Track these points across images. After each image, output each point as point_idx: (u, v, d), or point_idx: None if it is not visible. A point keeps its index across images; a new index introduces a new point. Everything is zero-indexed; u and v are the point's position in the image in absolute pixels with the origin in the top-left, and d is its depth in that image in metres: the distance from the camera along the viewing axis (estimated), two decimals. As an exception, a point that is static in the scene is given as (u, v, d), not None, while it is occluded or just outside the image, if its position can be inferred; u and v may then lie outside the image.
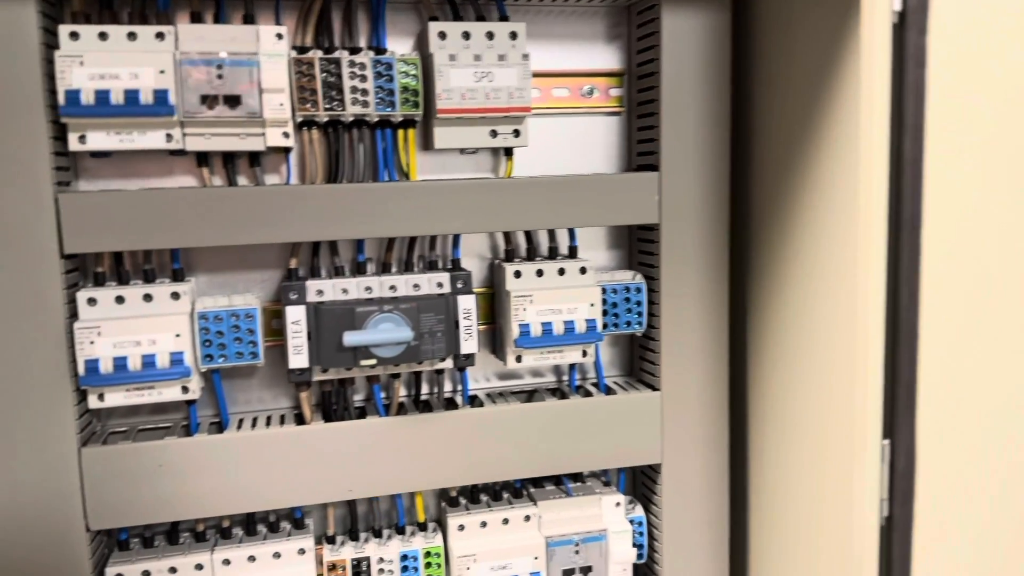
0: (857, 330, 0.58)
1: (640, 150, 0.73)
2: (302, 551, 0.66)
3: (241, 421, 0.67)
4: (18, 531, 0.59)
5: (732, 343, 0.74)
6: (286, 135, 0.61)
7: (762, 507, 0.74)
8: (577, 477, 0.77)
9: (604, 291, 0.70)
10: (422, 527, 0.71)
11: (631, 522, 0.73)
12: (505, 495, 0.74)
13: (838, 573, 0.62)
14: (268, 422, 0.66)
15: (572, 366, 0.74)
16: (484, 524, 0.70)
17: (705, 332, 0.72)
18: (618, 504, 0.73)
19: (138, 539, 0.66)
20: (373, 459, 0.66)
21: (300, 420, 0.67)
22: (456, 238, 0.69)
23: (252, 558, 0.65)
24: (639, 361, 0.77)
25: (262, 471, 0.63)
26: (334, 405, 0.68)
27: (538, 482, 0.76)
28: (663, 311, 0.71)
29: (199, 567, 0.64)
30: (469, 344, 0.66)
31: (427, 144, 0.67)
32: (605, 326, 0.70)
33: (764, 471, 0.73)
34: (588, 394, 0.73)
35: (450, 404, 0.70)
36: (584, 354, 0.70)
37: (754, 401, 0.74)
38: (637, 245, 0.75)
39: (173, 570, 0.63)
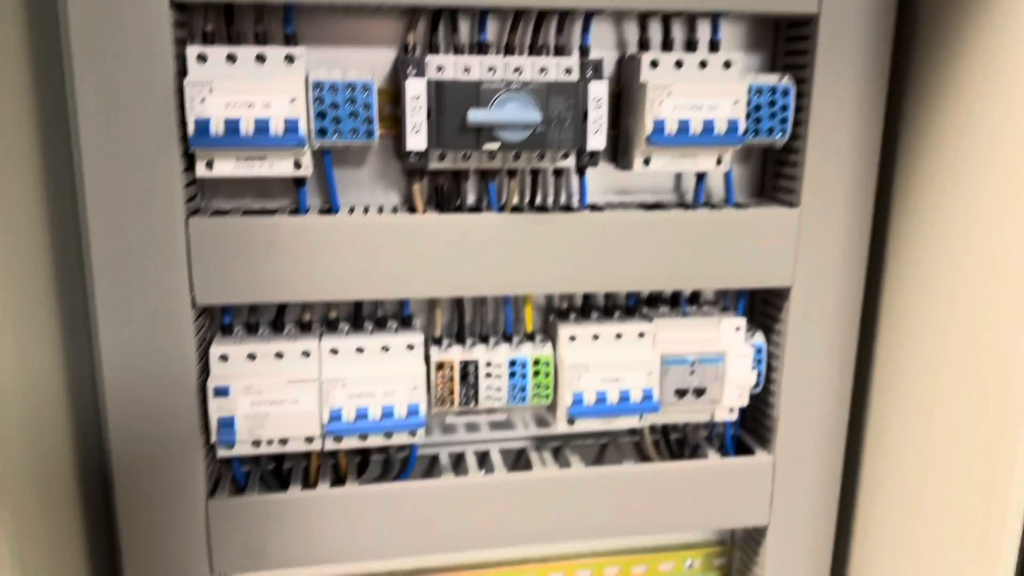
0: None
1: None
2: (411, 347, 0.63)
3: (352, 209, 0.63)
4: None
5: (881, 171, 0.66)
6: None
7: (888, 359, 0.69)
8: (693, 301, 0.72)
9: (749, 91, 0.63)
10: (530, 338, 0.68)
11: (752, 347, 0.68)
12: (616, 314, 0.70)
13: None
14: (380, 212, 0.62)
15: (700, 178, 0.67)
16: (596, 337, 0.66)
17: (855, 151, 0.65)
18: (738, 328, 0.68)
19: (241, 327, 0.65)
20: (487, 256, 0.61)
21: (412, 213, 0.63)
22: (587, 21, 0.62)
23: (360, 349, 0.62)
24: (772, 179, 0.70)
25: (373, 259, 0.60)
26: (447, 200, 0.64)
27: (652, 304, 0.71)
28: (811, 119, 0.63)
29: (306, 354, 0.61)
30: (596, 139, 0.60)
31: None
32: (746, 131, 0.63)
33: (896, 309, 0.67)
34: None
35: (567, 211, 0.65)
36: (719, 161, 0.64)
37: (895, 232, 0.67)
38: (785, 46, 0.67)
39: (279, 355, 0.61)
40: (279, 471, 0.68)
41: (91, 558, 0.64)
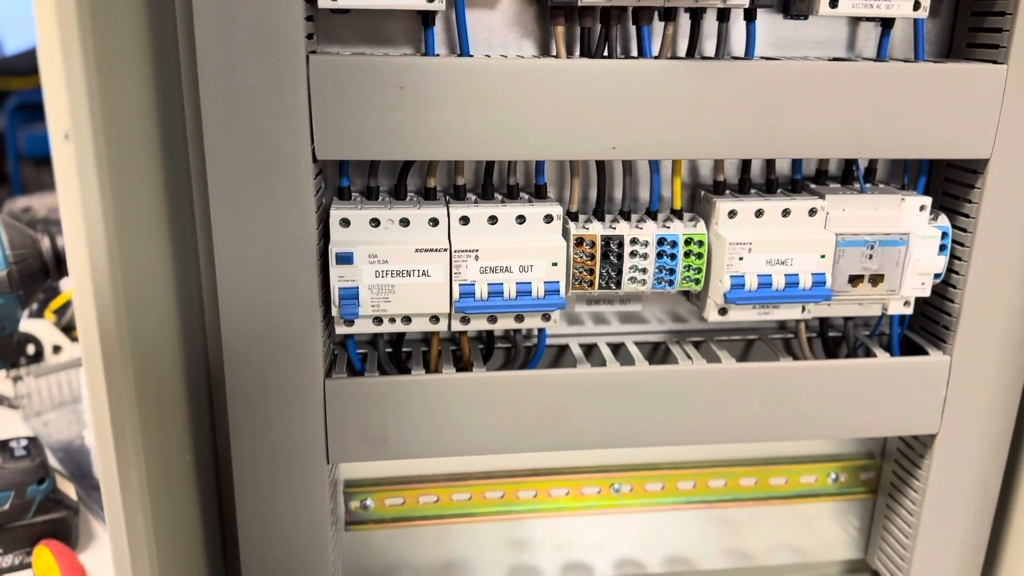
0: None
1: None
2: (549, 218, 0.56)
3: (488, 56, 0.55)
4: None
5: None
6: None
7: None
8: (867, 178, 0.63)
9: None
10: (677, 215, 0.60)
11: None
12: (780, 191, 0.61)
13: None
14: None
15: (885, 29, 0.57)
16: (760, 213, 0.58)
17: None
18: (923, 207, 0.59)
19: (359, 193, 0.58)
20: (640, 111, 0.53)
21: (554, 61, 0.54)
22: None
23: (493, 219, 0.55)
24: (968, 36, 0.59)
25: (512, 111, 0.52)
26: (594, 47, 0.55)
27: (819, 182, 0.62)
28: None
29: (434, 222, 0.54)
30: (778, -29, 0.51)
31: None
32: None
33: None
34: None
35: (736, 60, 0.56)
36: (916, 5, 0.54)
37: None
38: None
39: (405, 222, 0.54)
40: (397, 357, 0.62)
41: (195, 441, 0.60)
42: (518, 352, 0.62)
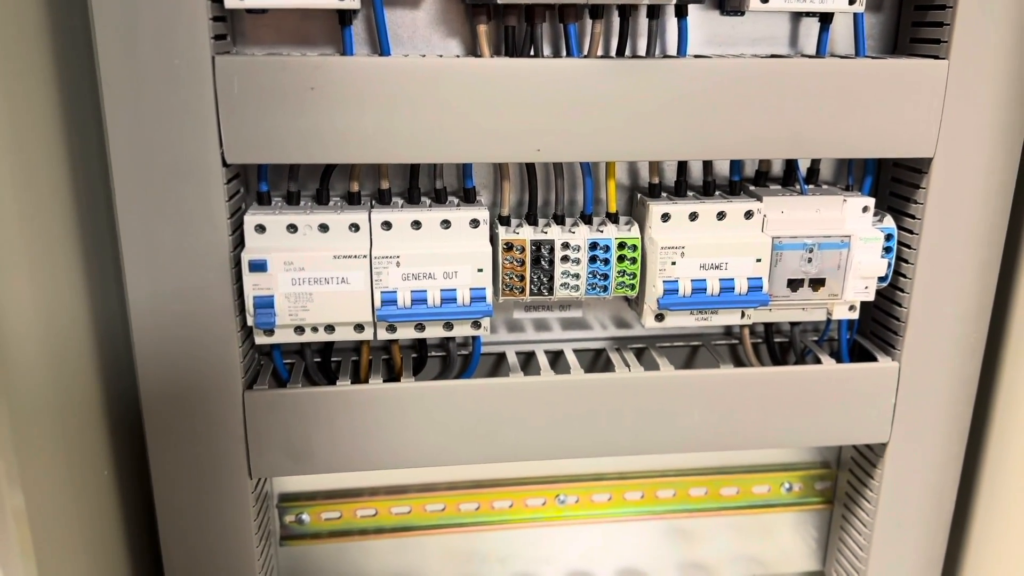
0: None
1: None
2: (475, 222, 0.54)
3: (406, 56, 0.53)
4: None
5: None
6: None
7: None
8: (810, 180, 0.61)
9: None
10: (612, 219, 0.58)
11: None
12: (718, 193, 0.59)
13: None
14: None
15: (824, 24, 0.56)
16: (694, 216, 0.56)
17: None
18: (866, 209, 0.57)
19: (281, 198, 0.56)
20: (567, 112, 0.51)
21: (477, 61, 0.53)
22: None
23: (417, 224, 0.53)
24: (911, 31, 0.58)
25: (429, 112, 0.50)
26: (518, 46, 0.54)
27: (759, 184, 0.61)
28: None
29: (354, 227, 0.53)
30: (705, -35, 0.49)
31: None
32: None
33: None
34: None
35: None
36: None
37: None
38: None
39: (324, 227, 0.52)
40: (326, 366, 0.60)
41: (116, 456, 0.58)
42: (453, 361, 0.60)
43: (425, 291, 0.53)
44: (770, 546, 0.73)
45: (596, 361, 0.65)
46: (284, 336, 0.54)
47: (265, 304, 0.51)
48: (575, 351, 0.63)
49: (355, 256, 0.52)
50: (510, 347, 0.63)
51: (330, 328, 0.54)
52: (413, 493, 0.66)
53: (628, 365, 0.60)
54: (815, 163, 0.61)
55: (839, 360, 0.62)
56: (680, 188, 0.58)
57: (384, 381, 0.57)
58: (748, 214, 0.56)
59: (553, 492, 0.67)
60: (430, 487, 0.66)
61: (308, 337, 0.54)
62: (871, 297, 0.57)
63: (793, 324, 0.62)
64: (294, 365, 0.59)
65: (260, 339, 0.54)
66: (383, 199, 0.56)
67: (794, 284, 0.56)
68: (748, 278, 0.55)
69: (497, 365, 0.63)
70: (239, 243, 0.53)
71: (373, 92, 0.49)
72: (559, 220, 0.57)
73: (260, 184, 0.54)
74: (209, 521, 0.56)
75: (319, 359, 0.60)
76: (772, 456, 0.70)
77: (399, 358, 0.59)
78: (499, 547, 0.69)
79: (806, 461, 0.71)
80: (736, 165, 0.59)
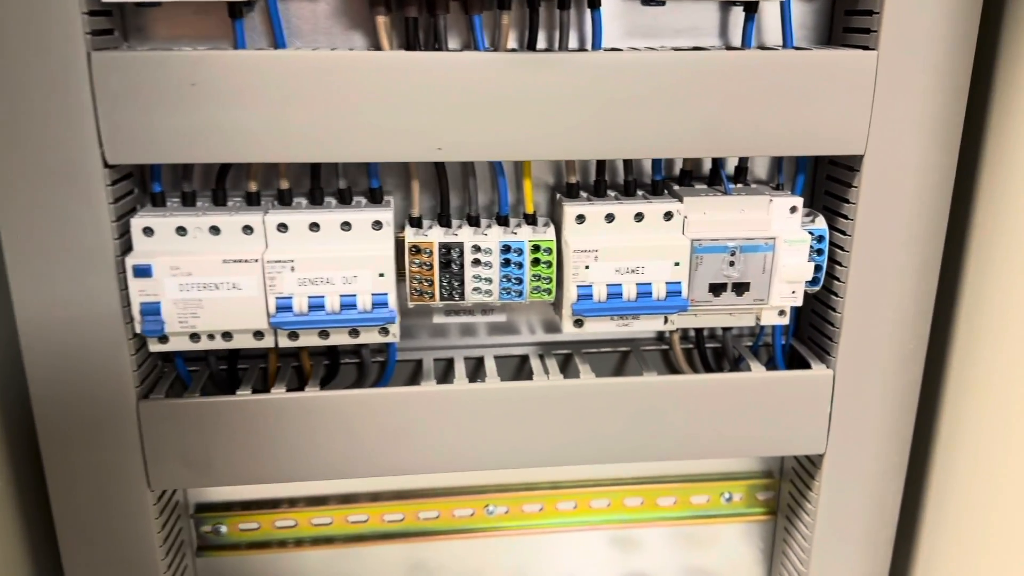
0: None
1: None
2: (378, 224, 0.51)
3: (298, 48, 0.51)
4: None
5: None
6: None
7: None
8: (738, 179, 0.58)
9: None
10: (529, 220, 0.56)
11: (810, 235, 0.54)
12: (639, 194, 0.56)
13: None
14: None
15: (749, 14, 0.53)
16: (610, 218, 0.53)
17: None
18: (794, 209, 0.54)
19: (177, 200, 0.54)
20: (470, 109, 0.49)
21: (376, 55, 0.50)
22: None
23: (315, 226, 0.51)
24: (843, 25, 0.55)
25: (320, 108, 0.47)
26: (420, 39, 0.51)
27: (685, 183, 0.58)
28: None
29: (248, 229, 0.50)
30: (610, -48, 0.46)
31: None
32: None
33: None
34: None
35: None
36: (773, -15, 0.49)
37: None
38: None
39: (215, 230, 0.50)
40: (233, 374, 0.58)
41: (15, 471, 0.56)
42: (367, 368, 0.58)
43: (323, 297, 0.50)
44: (716, 557, 0.70)
45: (523, 367, 0.62)
46: (180, 343, 0.52)
47: (152, 311, 0.49)
48: (502, 357, 0.60)
49: (246, 260, 0.49)
50: (429, 353, 0.61)
51: (227, 335, 0.52)
52: (334, 504, 0.64)
53: (548, 372, 0.57)
54: (744, 161, 0.58)
55: (775, 367, 0.60)
56: (600, 188, 0.55)
57: (292, 390, 0.55)
58: (668, 215, 0.53)
59: (482, 502, 0.65)
60: (351, 497, 0.64)
61: (205, 344, 0.52)
62: (799, 302, 0.55)
63: (725, 329, 0.59)
64: (198, 374, 0.57)
65: (154, 347, 0.51)
66: (284, 200, 0.53)
67: (716, 289, 0.53)
68: (666, 283, 0.52)
69: (416, 373, 0.61)
70: (129, 247, 0.50)
71: (260, 87, 0.47)
72: (473, 222, 0.55)
73: (153, 184, 0.52)
74: (111, 532, 0.54)
75: (225, 366, 0.58)
76: (711, 465, 0.67)
77: (308, 365, 0.57)
78: (427, 558, 0.67)
79: (747, 471, 0.68)
80: (658, 164, 0.56)
